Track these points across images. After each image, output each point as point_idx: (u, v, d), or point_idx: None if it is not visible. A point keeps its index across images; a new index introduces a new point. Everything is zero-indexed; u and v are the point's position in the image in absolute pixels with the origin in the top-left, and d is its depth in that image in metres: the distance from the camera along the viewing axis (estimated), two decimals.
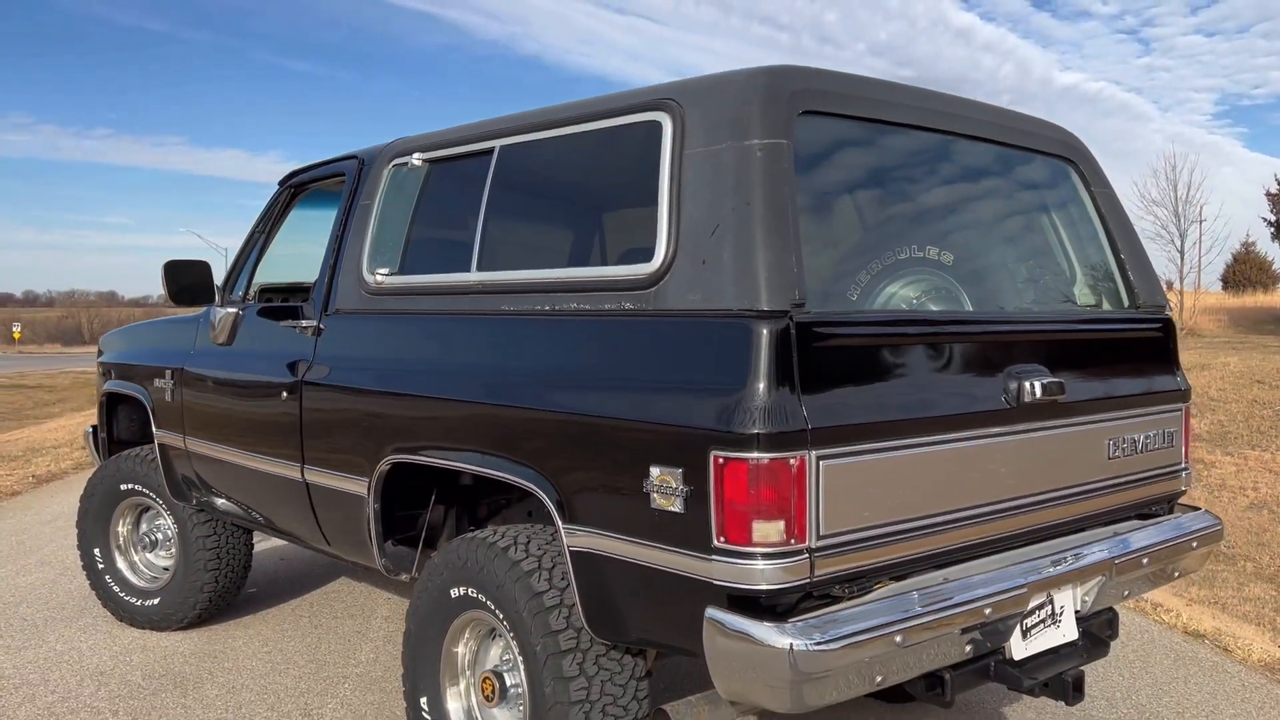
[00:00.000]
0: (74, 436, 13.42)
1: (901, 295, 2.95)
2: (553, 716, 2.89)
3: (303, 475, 3.89)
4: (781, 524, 2.40)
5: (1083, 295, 3.58)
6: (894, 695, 4.22)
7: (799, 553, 2.43)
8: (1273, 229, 38.72)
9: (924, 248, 3.10)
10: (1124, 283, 3.61)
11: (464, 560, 3.17)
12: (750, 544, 2.40)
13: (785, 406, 2.42)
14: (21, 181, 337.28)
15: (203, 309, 4.80)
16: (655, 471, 2.56)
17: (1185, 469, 3.62)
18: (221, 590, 5.08)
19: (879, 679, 2.53)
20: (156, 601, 5.13)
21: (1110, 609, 3.32)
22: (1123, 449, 3.32)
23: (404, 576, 3.64)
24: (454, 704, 3.31)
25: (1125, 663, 4.85)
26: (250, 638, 5.10)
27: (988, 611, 2.69)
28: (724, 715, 2.91)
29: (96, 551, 5.30)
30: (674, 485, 2.52)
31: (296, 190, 4.58)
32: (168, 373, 4.81)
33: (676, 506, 2.52)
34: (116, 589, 5.26)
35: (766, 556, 2.41)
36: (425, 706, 3.35)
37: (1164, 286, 3.81)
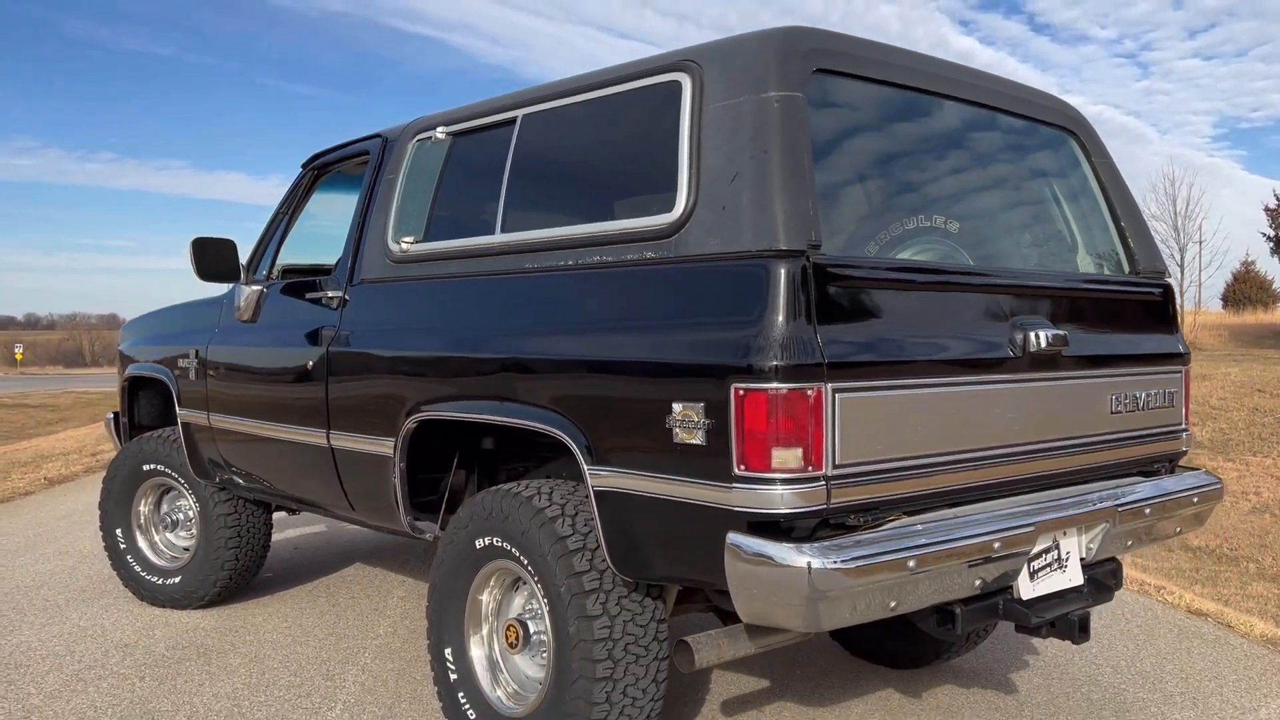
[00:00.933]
0: (83, 445, 13.53)
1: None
2: (577, 654, 2.99)
3: (328, 441, 4.00)
4: (799, 451, 2.52)
5: (1084, 262, 3.71)
6: (904, 660, 4.32)
7: (816, 479, 2.54)
8: (1271, 243, 38.94)
9: (931, 216, 3.22)
10: (1124, 249, 3.74)
11: (489, 511, 3.27)
12: (770, 470, 2.52)
13: (802, 340, 2.54)
14: (27, 205, 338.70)
15: (223, 292, 4.94)
16: (678, 408, 2.68)
17: (1185, 430, 3.73)
18: (241, 568, 5.18)
19: (892, 604, 2.63)
20: (177, 580, 5.23)
21: (1114, 559, 3.42)
22: (1125, 405, 3.43)
23: (428, 535, 3.75)
24: (477, 651, 3.42)
25: (1130, 636, 4.94)
26: (269, 614, 5.20)
27: (996, 546, 2.80)
28: (742, 648, 3.02)
29: (118, 532, 5.41)
30: (696, 419, 2.64)
31: (320, 172, 4.71)
32: (192, 352, 4.93)
33: (698, 439, 2.63)
34: (138, 568, 5.36)
35: (785, 482, 2.52)
36: (450, 657, 3.45)
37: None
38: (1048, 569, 3.11)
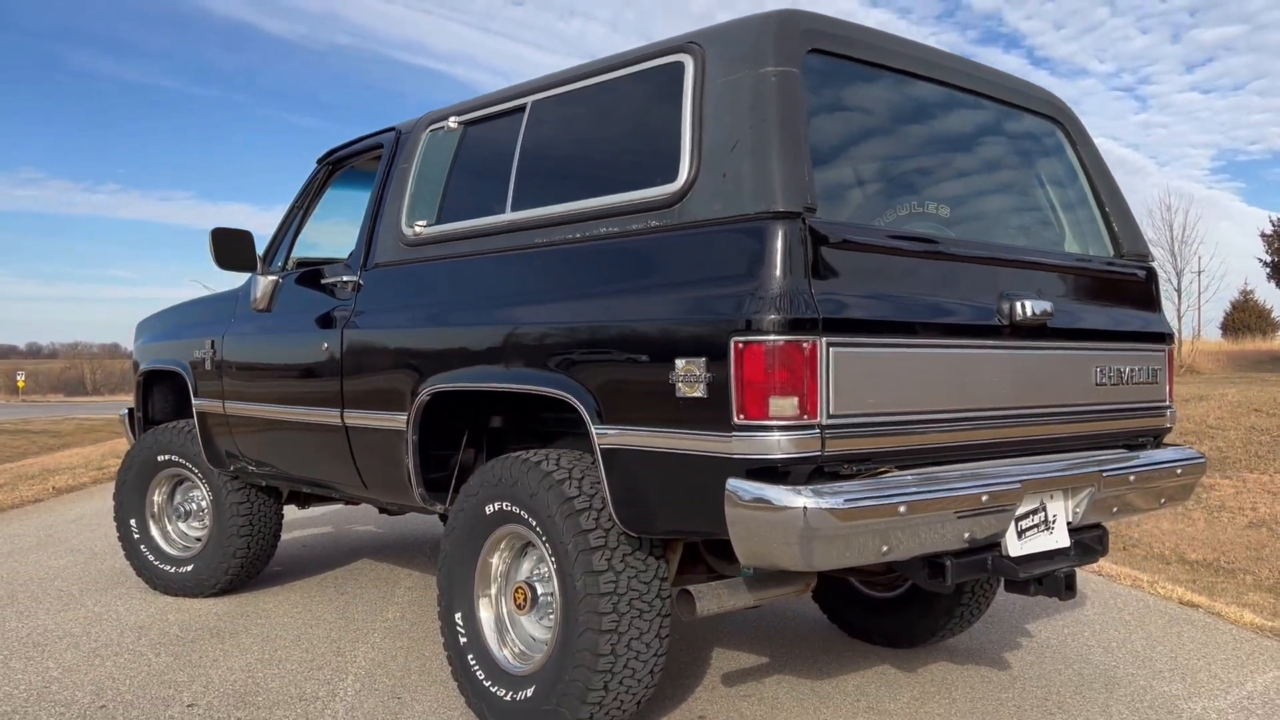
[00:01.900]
0: (89, 460, 13.64)
1: None
2: (583, 608, 3.11)
3: (342, 420, 4.14)
4: (795, 400, 2.66)
5: (1070, 244, 3.86)
6: (900, 640, 4.44)
7: (811, 427, 2.69)
8: (1269, 269, 39.19)
9: (920, 198, 3.38)
10: (1109, 233, 3.90)
11: (499, 477, 3.41)
12: (767, 418, 2.66)
13: (799, 295, 2.69)
14: (32, 236, 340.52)
15: (238, 285, 5.10)
16: (681, 364, 2.82)
17: (1170, 408, 3.87)
18: (253, 557, 5.30)
19: (884, 549, 2.76)
20: (190, 568, 5.35)
21: (1100, 526, 3.55)
22: (1109, 378, 3.57)
23: (439, 507, 3.88)
24: (485, 614, 3.54)
25: (1122, 622, 5.06)
26: (280, 601, 5.32)
27: (984, 499, 2.93)
28: (742, 599, 3.14)
29: (132, 522, 5.53)
30: (698, 373, 2.78)
31: (334, 167, 4.88)
32: (208, 343, 5.07)
33: (700, 392, 2.78)
34: (151, 557, 5.48)
35: (782, 429, 2.66)
36: (460, 621, 3.57)
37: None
38: (1035, 529, 3.24)
